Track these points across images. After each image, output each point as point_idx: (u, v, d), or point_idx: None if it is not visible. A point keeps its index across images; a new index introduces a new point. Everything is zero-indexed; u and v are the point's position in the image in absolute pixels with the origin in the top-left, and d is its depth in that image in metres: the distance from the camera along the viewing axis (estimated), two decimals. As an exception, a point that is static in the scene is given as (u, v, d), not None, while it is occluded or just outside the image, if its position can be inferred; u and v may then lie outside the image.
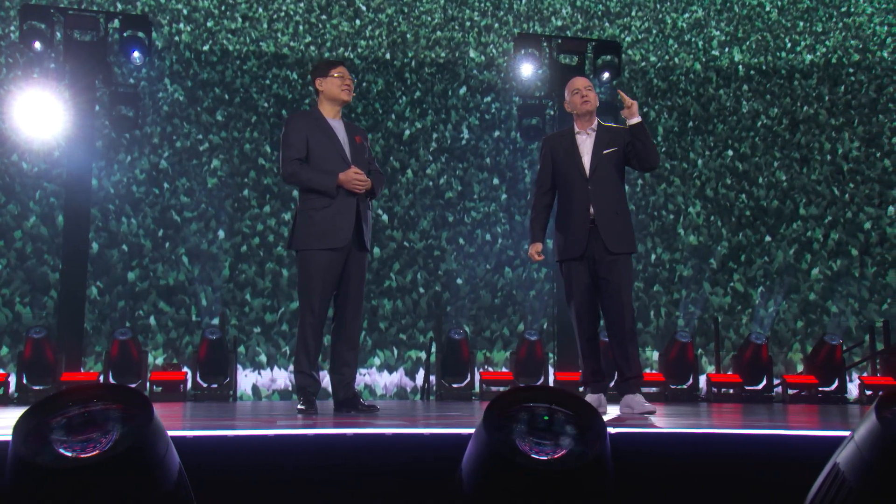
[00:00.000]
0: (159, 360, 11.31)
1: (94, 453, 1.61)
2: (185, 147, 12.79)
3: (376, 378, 11.65)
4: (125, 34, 10.70)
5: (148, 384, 9.30)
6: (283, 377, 11.62)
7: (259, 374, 11.58)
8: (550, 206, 4.98)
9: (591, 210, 4.70)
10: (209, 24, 13.81)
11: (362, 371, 11.47)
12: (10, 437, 1.65)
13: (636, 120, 4.67)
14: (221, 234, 12.31)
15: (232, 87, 13.29)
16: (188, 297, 11.90)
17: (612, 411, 4.87)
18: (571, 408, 1.80)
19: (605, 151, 4.77)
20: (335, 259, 4.53)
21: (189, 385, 9.47)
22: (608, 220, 4.69)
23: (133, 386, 9.39)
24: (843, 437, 2.02)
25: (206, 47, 13.61)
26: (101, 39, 10.57)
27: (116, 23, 10.98)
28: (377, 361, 11.76)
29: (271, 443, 2.17)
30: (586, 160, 4.77)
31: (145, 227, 12.25)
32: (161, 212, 12.35)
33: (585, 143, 4.83)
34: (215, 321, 11.57)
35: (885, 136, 13.98)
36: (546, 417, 1.79)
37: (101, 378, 9.30)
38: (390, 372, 11.82)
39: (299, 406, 4.52)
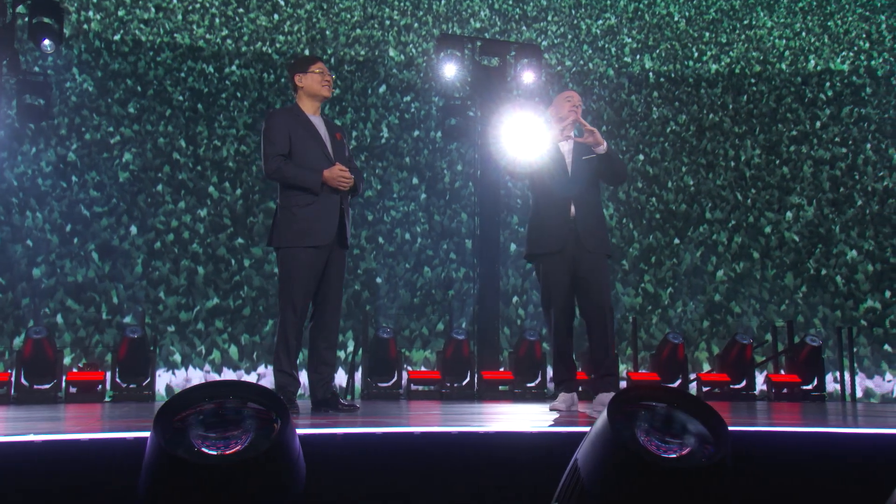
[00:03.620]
0: (66, 360, 10.88)
1: (236, 449, 1.58)
2: (94, 139, 12.34)
3: (295, 377, 11.50)
4: (34, 20, 10.25)
5: (63, 384, 8.94)
6: (198, 377, 11.34)
7: (173, 373, 11.28)
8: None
9: (573, 210, 4.81)
10: (120, 12, 13.36)
11: (280, 371, 11.30)
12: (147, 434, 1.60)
13: (603, 148, 4.83)
14: (134, 229, 11.93)
15: (145, 79, 12.90)
16: (98, 295, 11.49)
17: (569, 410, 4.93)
18: (692, 408, 1.85)
19: (584, 157, 4.92)
20: (318, 257, 4.47)
21: (107, 385, 9.15)
22: (587, 222, 4.81)
23: (47, 387, 9.04)
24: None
25: (117, 37, 13.16)
26: (7, 25, 10.10)
27: (23, 8, 10.52)
28: (296, 360, 11.62)
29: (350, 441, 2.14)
30: (569, 163, 4.92)
31: (52, 222, 11.77)
32: (69, 206, 11.88)
33: (565, 147, 4.98)
34: (127, 319, 11.23)
35: (783, 145, 14.64)
36: (670, 416, 1.84)
37: (13, 378, 8.88)
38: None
39: None
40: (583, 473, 1.81)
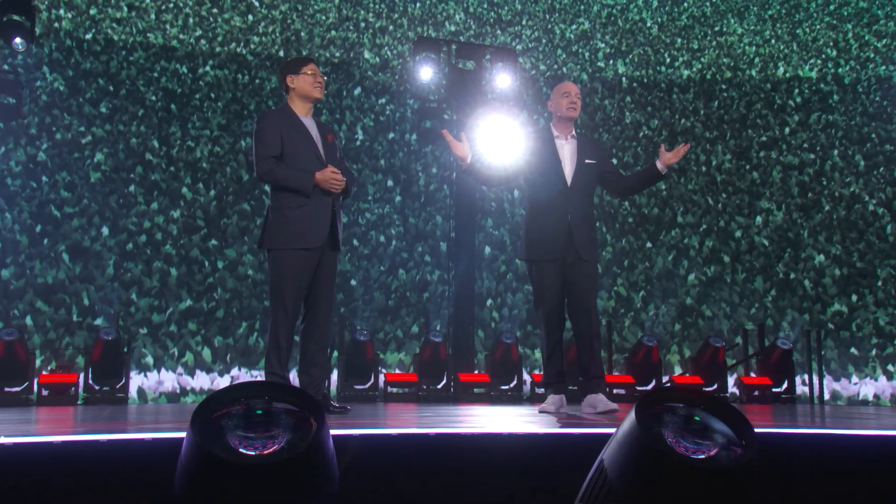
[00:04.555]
0: (36, 363, 10.73)
1: (273, 449, 1.58)
2: (65, 139, 12.19)
3: (269, 380, 11.42)
4: (4, 18, 10.12)
5: (35, 387, 8.82)
6: (170, 379, 11.24)
7: (145, 376, 11.17)
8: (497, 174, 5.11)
9: (569, 217, 4.83)
10: (92, 11, 13.21)
11: (254, 372, 11.26)
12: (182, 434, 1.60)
13: (666, 170, 4.98)
14: (106, 230, 11.79)
15: (117, 79, 12.76)
16: (69, 297, 11.34)
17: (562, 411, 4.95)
18: (718, 410, 1.88)
19: (586, 161, 4.93)
20: (309, 259, 4.46)
21: (80, 388, 9.05)
22: (582, 228, 4.84)
23: (19, 389, 8.90)
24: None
25: (88, 36, 13.01)
26: (-24, 23, 9.96)
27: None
28: (270, 363, 11.54)
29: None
30: (567, 166, 4.91)
31: (21, 223, 11.60)
32: (39, 206, 11.72)
33: (565, 149, 4.97)
34: (98, 321, 11.09)
35: (753, 151, 14.83)
36: (697, 418, 1.86)
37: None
38: (283, 374, 11.63)
39: None
40: (610, 474, 1.83)
